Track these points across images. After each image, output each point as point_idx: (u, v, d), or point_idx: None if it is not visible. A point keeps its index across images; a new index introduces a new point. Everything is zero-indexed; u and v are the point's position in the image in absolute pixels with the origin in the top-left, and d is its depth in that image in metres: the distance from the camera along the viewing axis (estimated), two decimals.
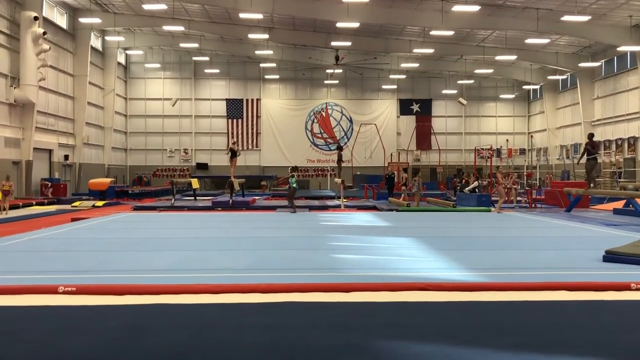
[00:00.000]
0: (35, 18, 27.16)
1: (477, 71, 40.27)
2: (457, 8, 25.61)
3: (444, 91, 44.36)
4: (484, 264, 8.01)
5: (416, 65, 40.24)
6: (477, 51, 36.60)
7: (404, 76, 43.73)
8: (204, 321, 4.93)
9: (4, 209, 19.24)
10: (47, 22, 29.95)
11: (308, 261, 8.28)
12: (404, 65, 40.54)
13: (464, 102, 40.55)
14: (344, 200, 22.69)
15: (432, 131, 44.05)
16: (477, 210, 19.45)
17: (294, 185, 18.96)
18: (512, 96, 45.20)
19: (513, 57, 35.41)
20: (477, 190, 22.88)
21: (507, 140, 44.45)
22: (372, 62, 39.80)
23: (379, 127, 41.12)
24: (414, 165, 41.71)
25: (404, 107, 45.30)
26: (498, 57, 35.98)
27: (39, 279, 6.58)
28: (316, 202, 23.53)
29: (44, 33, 27.71)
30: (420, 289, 6.19)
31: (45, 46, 27.88)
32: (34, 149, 28.58)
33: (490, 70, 40.02)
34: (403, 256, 8.81)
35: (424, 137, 44.71)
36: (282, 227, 13.62)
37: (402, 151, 41.68)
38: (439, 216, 17.38)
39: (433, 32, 31.56)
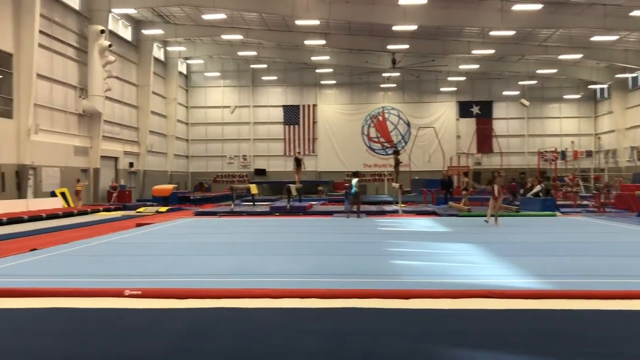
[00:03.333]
0: (102, 31, 28.37)
1: (539, 71, 39.04)
2: (517, 7, 24.95)
3: (505, 92, 43.22)
4: (550, 270, 7.71)
5: (476, 66, 39.43)
6: (539, 51, 35.49)
7: (463, 78, 42.93)
8: (264, 326, 4.96)
9: (78, 205, 22.95)
10: (113, 35, 31.22)
11: (366, 267, 8.20)
12: (462, 66, 39.81)
13: (527, 103, 39.26)
14: (402, 205, 22.43)
15: (493, 134, 42.94)
16: (541, 215, 18.78)
17: (352, 190, 18.85)
18: (577, 96, 43.51)
19: (578, 56, 34.13)
20: (540, 194, 22.13)
21: (573, 142, 42.81)
22: (429, 65, 39.26)
23: (437, 131, 40.46)
24: (474, 169, 40.81)
25: (464, 110, 44.43)
26: (562, 57, 34.76)
27: (106, 282, 6.82)
28: (373, 208, 23.36)
29: (110, 45, 28.90)
30: (482, 296, 6.01)
31: (111, 58, 29.07)
32: (101, 156, 29.82)
33: (554, 70, 38.69)
34: (464, 262, 8.59)
35: (484, 139, 43.67)
36: (340, 233, 13.60)
37: (462, 155, 40.83)
38: (501, 221, 16.87)
39: (493, 33, 30.84)
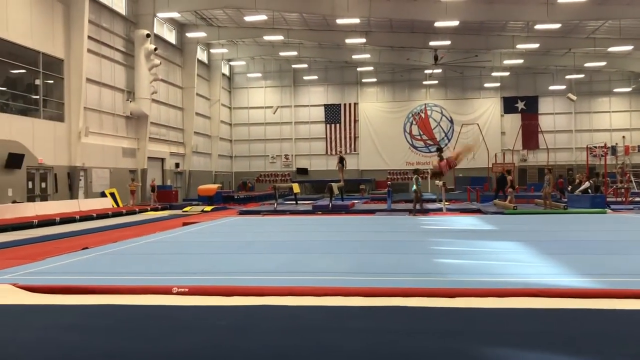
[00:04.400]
0: (148, 35, 29.11)
1: (587, 64, 37.92)
2: None
3: (552, 87, 42.13)
4: (600, 269, 7.49)
5: (520, 61, 38.58)
6: (587, 43, 34.47)
7: (507, 73, 42.09)
8: (308, 323, 4.99)
9: (132, 204, 25.59)
10: (158, 39, 31.98)
11: (410, 265, 8.15)
12: (507, 61, 39.02)
13: (574, 97, 38.26)
14: (446, 203, 22.16)
15: (539, 129, 41.89)
16: (590, 212, 18.25)
17: (414, 188, 18.77)
18: (628, 89, 42.03)
19: (629, 48, 32.97)
20: (589, 190, 21.48)
21: (624, 137, 41.41)
22: (472, 60, 38.64)
23: (481, 127, 39.79)
24: (520, 166, 39.95)
25: (508, 105, 43.56)
26: (611, 49, 33.66)
27: (155, 279, 7.00)
28: (417, 205, 23.13)
29: (155, 49, 29.62)
30: (530, 295, 5.88)
31: (157, 61, 29.78)
32: (148, 158, 30.59)
33: (603, 63, 37.51)
34: (510, 261, 8.43)
35: (530, 136, 42.68)
36: (382, 231, 13.54)
37: (507, 151, 39.99)
38: (548, 219, 16.49)
39: (538, 26, 30.11)
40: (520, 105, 43.38)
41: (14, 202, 20.44)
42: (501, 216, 17.98)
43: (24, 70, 22.11)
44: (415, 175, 19.33)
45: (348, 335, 4.57)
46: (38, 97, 22.79)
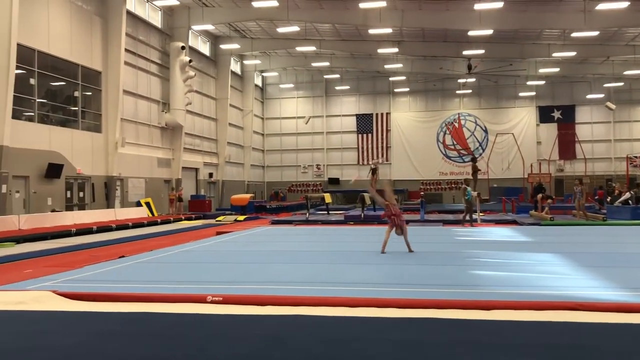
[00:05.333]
0: (182, 47, 29.66)
1: (626, 72, 37.06)
2: (601, 6, 23.82)
3: (589, 96, 41.26)
4: None
5: (556, 69, 37.92)
6: (626, 51, 33.69)
7: (542, 82, 41.42)
8: (342, 334, 4.97)
9: (171, 212, 26.35)
10: (192, 51, 32.54)
11: (444, 277, 8.04)
12: (542, 70, 38.39)
13: (613, 106, 37.36)
14: (481, 214, 21.84)
15: (576, 139, 41.01)
16: (631, 224, 17.73)
17: (468, 197, 18.62)
18: None
19: None
20: (630, 202, 20.89)
21: None
22: (507, 69, 38.16)
23: (516, 137, 39.23)
24: (556, 176, 39.18)
25: (544, 115, 42.80)
26: None
27: (190, 288, 7.07)
28: (450, 216, 22.89)
29: (190, 61, 30.16)
30: (568, 309, 5.73)
31: (191, 73, 30.31)
32: (183, 167, 31.05)
33: None
34: (547, 273, 8.23)
35: (567, 145, 41.82)
36: (416, 242, 13.39)
37: (543, 161, 39.24)
38: (586, 230, 16.09)
39: (575, 34, 29.58)
40: (557, 114, 42.58)
41: (53, 210, 20.99)
42: (538, 227, 17.62)
43: (63, 83, 22.76)
44: (464, 185, 19.31)
45: (382, 347, 4.53)
46: (77, 108, 23.41)
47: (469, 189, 18.80)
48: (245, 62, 41.36)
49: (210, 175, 35.87)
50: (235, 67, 40.41)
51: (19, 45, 18.70)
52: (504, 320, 5.42)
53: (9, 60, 18.10)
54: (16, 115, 19.27)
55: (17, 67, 18.82)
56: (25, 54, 19.79)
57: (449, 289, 7.00)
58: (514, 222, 20.10)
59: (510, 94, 43.13)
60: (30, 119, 20.66)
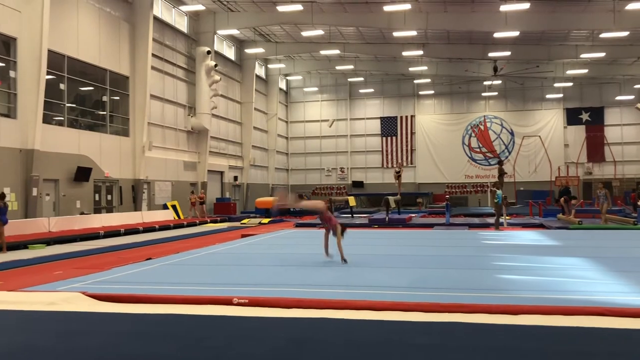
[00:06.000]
0: (208, 52, 29.98)
1: None
2: (631, 6, 23.35)
3: (618, 97, 40.47)
4: None
5: (584, 71, 37.26)
6: None
7: (570, 84, 40.75)
8: (367, 338, 4.96)
9: (191, 215, 27.25)
10: (218, 55, 32.85)
11: (471, 281, 7.96)
12: (570, 72, 37.77)
13: None
14: (507, 217, 21.59)
15: (605, 141, 40.24)
16: None
17: (498, 200, 18.48)
18: None
19: None
20: None
21: None
22: (534, 71, 37.66)
23: (543, 139, 38.65)
24: (585, 179, 38.49)
25: (572, 117, 42.09)
26: None
27: (215, 290, 7.13)
28: (476, 220, 22.67)
29: (216, 65, 30.45)
30: (597, 314, 5.62)
31: (217, 77, 30.60)
32: (208, 171, 31.35)
33: None
34: (576, 278, 8.10)
35: (595, 148, 41.04)
36: (441, 246, 13.32)
37: (571, 164, 38.58)
38: (617, 235, 15.77)
39: (603, 35, 29.02)
40: (585, 116, 41.85)
41: (81, 213, 21.38)
42: (565, 231, 17.34)
43: (92, 88, 23.19)
44: (494, 188, 19.19)
45: (408, 351, 4.51)
46: (105, 113, 23.82)
47: (498, 192, 18.60)
48: (269, 66, 41.60)
49: (235, 178, 36.13)
50: (259, 71, 40.68)
51: (49, 51, 19.14)
52: (531, 325, 5.35)
53: (40, 66, 18.54)
54: (47, 119, 19.71)
55: (48, 73, 19.26)
56: (55, 60, 20.24)
57: (476, 293, 6.94)
58: (541, 226, 19.82)
59: (537, 96, 42.54)
60: (60, 124, 21.09)
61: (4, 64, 18.47)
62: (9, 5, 18.09)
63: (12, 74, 18.59)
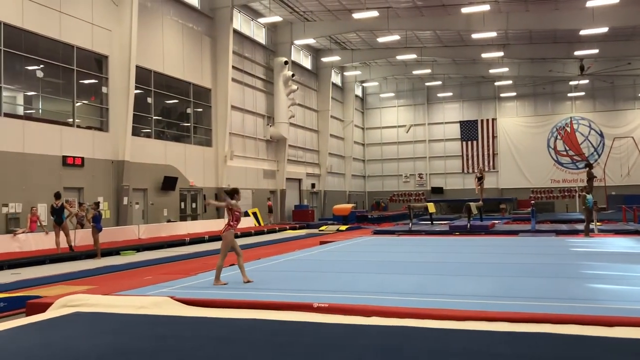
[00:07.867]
0: (286, 62, 30.56)
1: None
2: None
3: None
4: None
5: None
6: None
7: None
8: (449, 347, 4.85)
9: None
10: (295, 65, 33.41)
11: (560, 290, 7.59)
12: None
13: None
14: (598, 223, 20.43)
15: None
16: None
17: (589, 205, 17.71)
18: None
19: None
20: None
21: None
22: (624, 69, 35.54)
23: (637, 140, 36.34)
24: None
25: None
26: None
27: (296, 296, 7.21)
28: (564, 226, 21.61)
29: (293, 75, 30.99)
30: None
31: (294, 86, 31.12)
32: (286, 179, 31.87)
33: None
34: None
35: None
36: (527, 253, 12.80)
37: None
38: None
39: None
40: None
41: (168, 221, 22.34)
42: None
43: (177, 101, 24.24)
44: (583, 193, 18.32)
45: None
46: (189, 124, 24.82)
47: (588, 196, 17.68)
48: (345, 73, 41.80)
49: (313, 185, 36.51)
50: (335, 78, 40.96)
51: (137, 67, 20.23)
52: (628, 337, 5.03)
53: (129, 81, 19.65)
54: (135, 132, 20.82)
55: (136, 88, 20.36)
56: (142, 75, 21.35)
57: (565, 302, 6.61)
58: (636, 233, 18.60)
59: (629, 95, 40.08)
60: (147, 135, 22.19)
61: (97, 81, 19.72)
62: (102, 25, 19.31)
63: (104, 89, 19.82)
